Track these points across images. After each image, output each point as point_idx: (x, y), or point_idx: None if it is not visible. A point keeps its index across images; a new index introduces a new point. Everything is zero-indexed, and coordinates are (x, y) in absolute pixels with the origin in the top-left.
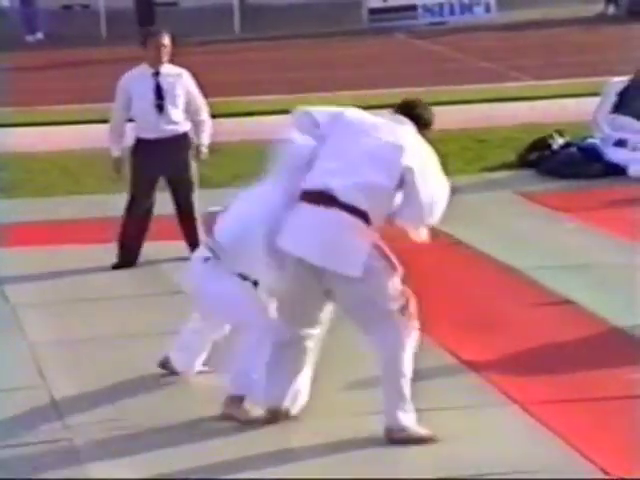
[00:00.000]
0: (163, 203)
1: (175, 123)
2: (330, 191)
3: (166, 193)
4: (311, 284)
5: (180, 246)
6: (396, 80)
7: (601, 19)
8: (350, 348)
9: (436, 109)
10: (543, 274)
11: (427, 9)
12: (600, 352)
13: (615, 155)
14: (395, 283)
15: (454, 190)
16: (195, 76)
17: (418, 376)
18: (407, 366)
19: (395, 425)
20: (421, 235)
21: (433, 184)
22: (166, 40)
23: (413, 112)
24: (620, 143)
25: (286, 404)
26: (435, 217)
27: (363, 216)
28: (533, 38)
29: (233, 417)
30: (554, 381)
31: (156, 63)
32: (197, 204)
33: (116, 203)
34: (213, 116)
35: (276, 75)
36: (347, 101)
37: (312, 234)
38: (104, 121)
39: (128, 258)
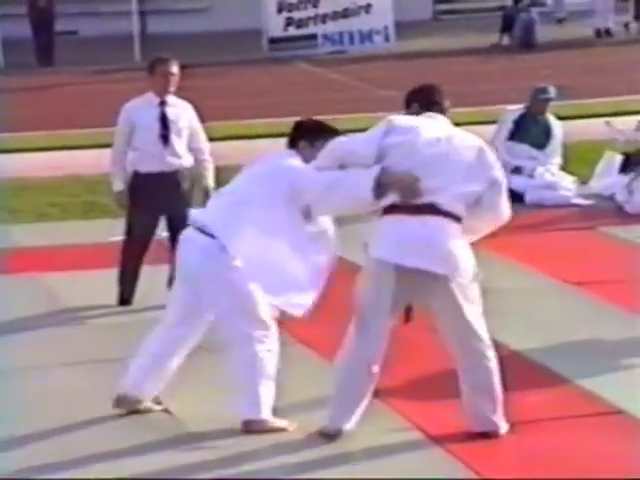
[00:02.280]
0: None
1: (179, 156)
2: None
3: None
4: (402, 298)
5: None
6: (298, 108)
7: (495, 50)
8: None
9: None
10: None
11: (327, 38)
12: (499, 376)
13: (513, 182)
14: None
15: None
16: (93, 104)
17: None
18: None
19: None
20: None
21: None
22: (174, 68)
23: (434, 100)
24: (517, 170)
25: (348, 425)
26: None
27: (460, 222)
28: (431, 67)
29: (262, 430)
30: (452, 406)
31: (163, 92)
32: None
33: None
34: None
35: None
36: (247, 130)
37: (427, 244)
38: (5, 151)
39: (127, 296)
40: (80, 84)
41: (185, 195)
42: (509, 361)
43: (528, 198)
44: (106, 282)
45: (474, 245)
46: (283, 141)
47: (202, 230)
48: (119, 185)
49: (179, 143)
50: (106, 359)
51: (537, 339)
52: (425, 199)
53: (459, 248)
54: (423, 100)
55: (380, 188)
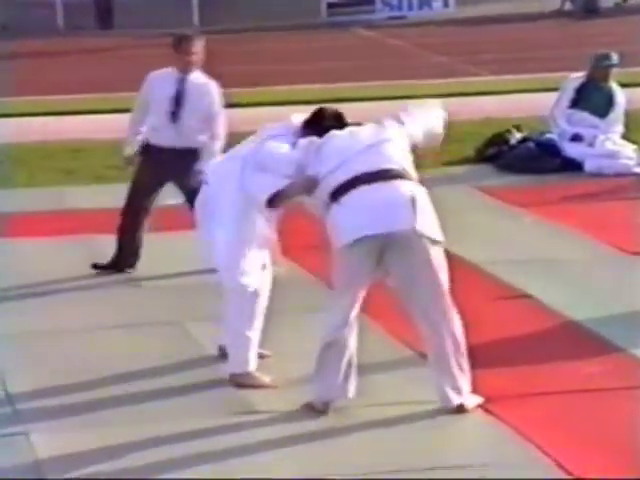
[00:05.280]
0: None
1: (190, 135)
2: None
3: None
4: (372, 263)
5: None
6: (354, 75)
7: (558, 15)
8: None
9: (394, 103)
10: (499, 268)
11: (386, 3)
12: (556, 346)
13: (572, 150)
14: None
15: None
16: (150, 66)
17: (373, 369)
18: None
19: (449, 403)
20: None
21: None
22: (198, 47)
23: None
24: (577, 138)
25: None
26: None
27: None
28: (491, 34)
29: (245, 385)
30: (511, 375)
31: (185, 70)
32: None
33: (71, 196)
34: None
35: (234, 68)
36: (303, 95)
37: (396, 206)
38: (62, 113)
39: (127, 259)
40: (139, 47)
41: (191, 173)
42: (565, 330)
43: (588, 166)
44: (161, 245)
45: (533, 216)
46: (337, 107)
47: None
48: (129, 150)
49: (193, 122)
50: (161, 322)
51: (594, 309)
52: (374, 167)
53: (420, 206)
54: (319, 129)
55: (274, 201)
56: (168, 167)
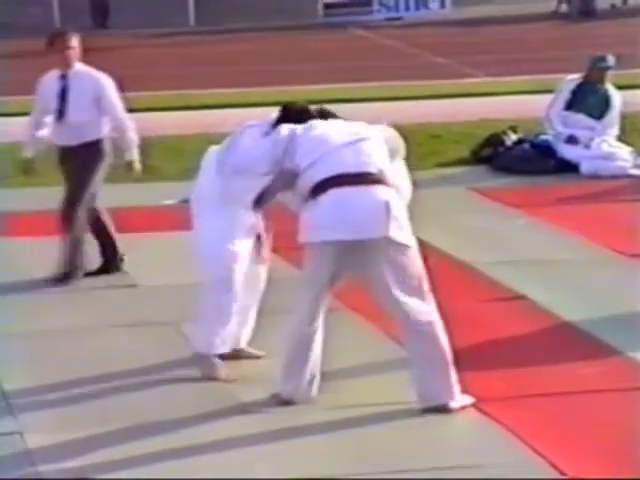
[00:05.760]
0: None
1: (80, 131)
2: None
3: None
4: (337, 265)
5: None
6: (350, 75)
7: (553, 17)
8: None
9: (390, 104)
10: (495, 269)
11: (382, 4)
12: (552, 347)
13: (568, 152)
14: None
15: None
16: (145, 68)
17: (367, 370)
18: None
19: (428, 397)
20: None
21: None
22: (73, 42)
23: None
24: (572, 140)
25: (302, 393)
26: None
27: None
28: (487, 35)
29: (200, 369)
30: (506, 376)
31: (63, 67)
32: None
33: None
34: (165, 109)
35: (230, 69)
36: (297, 95)
37: (360, 213)
38: None
39: (64, 269)
40: (133, 47)
41: (84, 170)
42: (560, 331)
43: (584, 168)
44: (156, 246)
45: (528, 217)
46: (331, 108)
47: None
48: (26, 153)
49: (82, 116)
50: (156, 322)
51: (590, 310)
52: (356, 168)
53: (392, 212)
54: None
55: (260, 202)
56: (71, 164)
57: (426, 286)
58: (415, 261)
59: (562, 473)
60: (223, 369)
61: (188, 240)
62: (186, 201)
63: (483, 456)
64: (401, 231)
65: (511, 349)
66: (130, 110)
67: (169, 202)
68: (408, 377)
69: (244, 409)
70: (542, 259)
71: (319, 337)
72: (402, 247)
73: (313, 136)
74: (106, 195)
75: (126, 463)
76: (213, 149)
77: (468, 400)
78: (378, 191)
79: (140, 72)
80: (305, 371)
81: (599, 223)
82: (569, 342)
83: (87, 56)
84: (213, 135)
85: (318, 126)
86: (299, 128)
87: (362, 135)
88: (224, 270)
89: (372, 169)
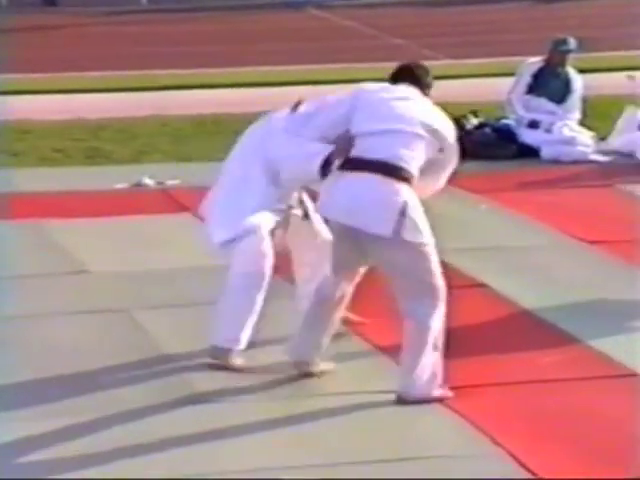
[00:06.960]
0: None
1: None
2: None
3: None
4: (349, 245)
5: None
6: (309, 56)
7: None
8: None
9: (347, 87)
10: (455, 256)
11: None
12: (511, 336)
13: (528, 136)
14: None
15: None
16: (96, 48)
17: (333, 361)
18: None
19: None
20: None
21: None
22: None
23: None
24: (533, 124)
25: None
26: None
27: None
28: (449, 16)
29: (221, 361)
30: (464, 365)
31: None
32: None
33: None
34: (116, 90)
35: (184, 49)
36: (256, 78)
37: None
38: (6, 92)
39: None
40: (84, 25)
41: None
42: (520, 320)
43: (544, 153)
44: (108, 231)
45: (488, 201)
46: (289, 90)
47: None
48: None
49: None
50: (107, 309)
51: (550, 298)
52: (374, 156)
53: (395, 210)
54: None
55: (326, 168)
56: None
57: (432, 286)
58: (418, 261)
59: (522, 464)
60: (239, 359)
61: (141, 225)
62: (139, 184)
63: (443, 447)
64: (405, 229)
65: (470, 338)
66: (75, 91)
67: (120, 186)
68: (374, 367)
69: (206, 398)
70: (502, 246)
71: (337, 307)
72: (403, 245)
73: (373, 108)
74: (57, 179)
75: (91, 458)
76: (257, 125)
77: (448, 394)
78: (392, 186)
79: (90, 52)
80: (314, 331)
81: (560, 209)
82: (529, 330)
83: (36, 34)
84: (166, 117)
85: (381, 100)
86: (366, 91)
87: (426, 122)
88: (253, 265)
89: (403, 164)
